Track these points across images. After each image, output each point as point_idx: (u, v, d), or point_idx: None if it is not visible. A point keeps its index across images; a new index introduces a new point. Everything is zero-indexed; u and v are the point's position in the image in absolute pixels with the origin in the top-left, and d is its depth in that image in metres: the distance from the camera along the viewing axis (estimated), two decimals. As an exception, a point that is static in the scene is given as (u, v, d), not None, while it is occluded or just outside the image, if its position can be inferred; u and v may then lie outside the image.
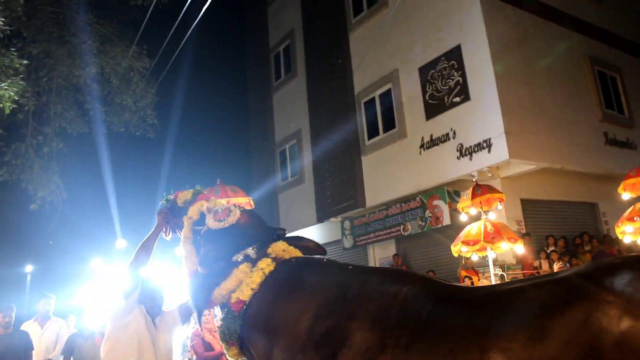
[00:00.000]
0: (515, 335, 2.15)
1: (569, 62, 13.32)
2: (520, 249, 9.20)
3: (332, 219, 15.79)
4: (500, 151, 11.34)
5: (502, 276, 9.74)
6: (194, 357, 7.32)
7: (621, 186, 9.38)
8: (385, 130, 14.14)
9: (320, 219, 16.02)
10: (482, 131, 11.67)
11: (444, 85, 12.50)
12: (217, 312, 3.34)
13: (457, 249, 9.14)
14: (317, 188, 16.16)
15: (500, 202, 9.23)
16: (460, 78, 12.11)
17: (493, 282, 9.06)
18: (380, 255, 15.56)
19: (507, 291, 2.49)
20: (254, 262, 3.16)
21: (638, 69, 15.24)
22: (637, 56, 15.38)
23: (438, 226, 12.91)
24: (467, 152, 12.05)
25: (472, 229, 9.05)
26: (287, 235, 3.51)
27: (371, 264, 15.95)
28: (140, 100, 13.31)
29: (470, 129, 11.97)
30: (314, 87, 16.53)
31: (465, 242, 8.95)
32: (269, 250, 3.24)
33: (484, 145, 11.65)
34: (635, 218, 8.93)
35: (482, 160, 11.75)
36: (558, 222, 13.24)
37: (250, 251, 3.19)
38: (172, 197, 3.60)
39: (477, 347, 2.22)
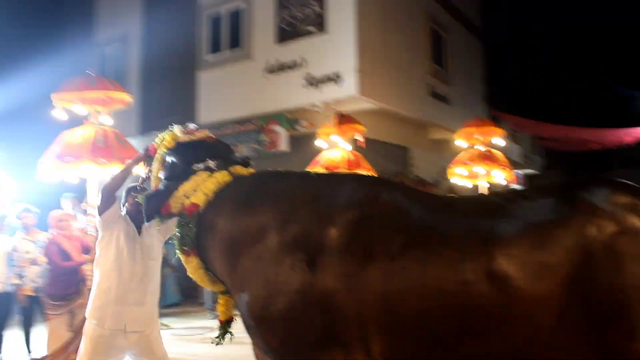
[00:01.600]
0: (520, 242, 2.35)
1: (413, 14, 14.24)
2: (371, 178, 9.81)
3: (156, 132, 14.98)
4: (349, 86, 11.85)
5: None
6: (44, 265, 6.56)
7: (458, 134, 10.51)
8: (230, 47, 13.74)
9: (143, 131, 15.12)
10: (334, 64, 12.02)
11: (301, 13, 12.49)
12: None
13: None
14: (143, 98, 15.11)
15: (359, 133, 9.68)
16: (319, 9, 12.20)
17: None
18: (203, 174, 15.31)
19: (502, 200, 2.68)
20: (212, 172, 3.13)
21: (460, 33, 16.88)
22: (460, 21, 16.98)
23: (274, 151, 13.08)
24: (315, 83, 12.33)
25: (335, 156, 9.41)
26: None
27: (193, 183, 15.66)
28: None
29: (321, 61, 12.22)
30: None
31: (327, 168, 9.28)
32: (231, 168, 3.19)
33: (334, 78, 12.04)
34: (467, 162, 10.09)
35: (329, 92, 12.15)
36: (378, 161, 14.27)
37: (211, 163, 3.16)
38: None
39: (484, 254, 2.35)
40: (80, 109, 6.39)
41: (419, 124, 15.55)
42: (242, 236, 2.78)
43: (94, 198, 6.26)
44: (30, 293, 6.64)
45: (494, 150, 10.40)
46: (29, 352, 6.72)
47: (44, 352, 6.54)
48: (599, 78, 21.19)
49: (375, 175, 9.65)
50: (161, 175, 3.28)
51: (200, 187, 3.02)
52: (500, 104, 18.20)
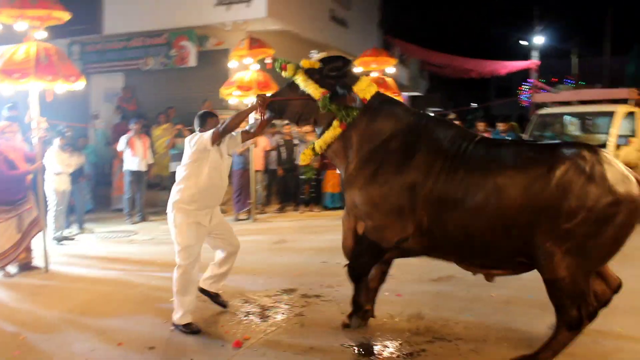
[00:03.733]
0: (515, 168, 3.89)
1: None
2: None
3: (59, 40, 14.79)
4: (259, 8, 12.49)
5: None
6: None
7: (357, 61, 11.63)
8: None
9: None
10: (244, -15, 12.56)
11: None
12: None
13: (229, 91, 10.24)
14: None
15: (269, 57, 10.49)
16: None
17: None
18: (106, 85, 15.47)
19: (516, 142, 4.87)
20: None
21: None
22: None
23: (183, 66, 13.59)
24: (225, 2, 12.81)
25: (246, 76, 10.22)
26: None
27: (94, 94, 15.74)
28: None
29: (233, -19, 12.68)
30: None
31: (240, 87, 10.11)
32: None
33: (244, -1, 12.61)
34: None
35: (239, 13, 12.71)
36: (280, 80, 15.13)
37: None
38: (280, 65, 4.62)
39: (493, 166, 3.93)
40: (21, 25, 6.71)
41: (319, 46, 16.39)
42: (375, 134, 4.34)
43: (35, 111, 6.77)
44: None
45: (386, 78, 11.69)
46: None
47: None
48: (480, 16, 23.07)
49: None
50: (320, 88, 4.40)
51: (369, 89, 4.42)
52: (393, 30, 19.48)
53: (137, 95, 15.02)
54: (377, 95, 4.50)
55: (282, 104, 4.61)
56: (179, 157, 11.04)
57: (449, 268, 5.04)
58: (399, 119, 4.38)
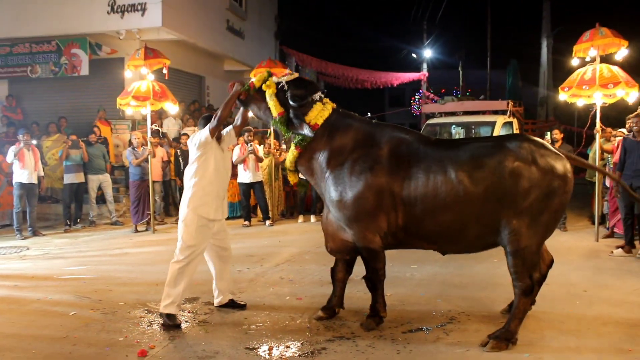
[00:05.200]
0: (469, 161, 4.42)
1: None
2: (175, 108, 10.80)
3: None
4: (154, 17, 12.43)
5: (157, 131, 11.17)
6: None
7: (253, 72, 11.76)
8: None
9: None
10: (140, -6, 12.43)
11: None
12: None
13: (126, 101, 10.07)
14: None
15: (164, 66, 10.44)
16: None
17: (147, 133, 10.44)
18: (-13, 93, 14.69)
19: (467, 141, 5.30)
20: (322, 101, 4.85)
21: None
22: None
23: (74, 75, 13.16)
24: (119, 10, 12.60)
25: (142, 86, 10.11)
26: None
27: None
28: None
29: (127, -11, 12.51)
30: None
31: (136, 97, 9.99)
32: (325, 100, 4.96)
33: (139, 8, 12.48)
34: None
35: (133, 21, 12.57)
36: (176, 89, 15.08)
37: (318, 95, 4.86)
38: (249, 86, 4.93)
39: (450, 165, 4.43)
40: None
41: (215, 56, 16.57)
42: (337, 149, 4.71)
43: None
44: None
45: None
46: None
47: None
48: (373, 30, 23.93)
49: (177, 103, 10.67)
50: (280, 106, 4.72)
51: (321, 114, 4.74)
52: (289, 41, 19.86)
53: (24, 104, 14.38)
54: (333, 111, 4.81)
55: (251, 101, 4.97)
56: (73, 168, 10.96)
57: (347, 271, 5.34)
58: (357, 130, 4.77)
